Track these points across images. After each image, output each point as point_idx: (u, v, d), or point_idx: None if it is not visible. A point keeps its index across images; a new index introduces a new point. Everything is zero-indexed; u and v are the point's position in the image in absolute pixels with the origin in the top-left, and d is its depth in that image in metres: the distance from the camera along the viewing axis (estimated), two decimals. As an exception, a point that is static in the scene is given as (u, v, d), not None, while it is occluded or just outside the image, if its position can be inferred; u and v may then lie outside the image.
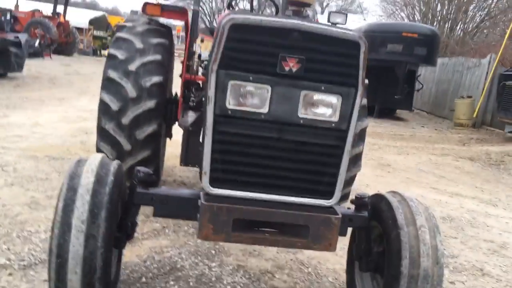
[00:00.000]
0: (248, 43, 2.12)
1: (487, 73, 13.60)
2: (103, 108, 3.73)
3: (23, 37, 12.72)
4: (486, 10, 25.83)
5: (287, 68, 2.14)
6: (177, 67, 4.85)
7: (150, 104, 3.72)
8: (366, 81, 4.26)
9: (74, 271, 2.09)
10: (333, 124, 2.25)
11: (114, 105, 3.68)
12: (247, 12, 3.99)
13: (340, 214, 2.29)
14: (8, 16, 23.51)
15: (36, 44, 18.45)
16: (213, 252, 3.57)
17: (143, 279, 3.03)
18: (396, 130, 12.56)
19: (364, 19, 38.05)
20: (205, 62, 5.04)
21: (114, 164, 2.38)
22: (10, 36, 12.56)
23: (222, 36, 2.09)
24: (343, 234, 2.67)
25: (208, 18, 74.41)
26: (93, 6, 75.15)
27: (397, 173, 7.24)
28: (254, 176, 2.28)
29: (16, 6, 26.11)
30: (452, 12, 26.14)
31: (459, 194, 6.40)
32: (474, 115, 13.34)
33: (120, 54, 3.84)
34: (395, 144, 10.13)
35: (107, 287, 2.19)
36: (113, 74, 3.76)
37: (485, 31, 26.11)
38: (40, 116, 7.96)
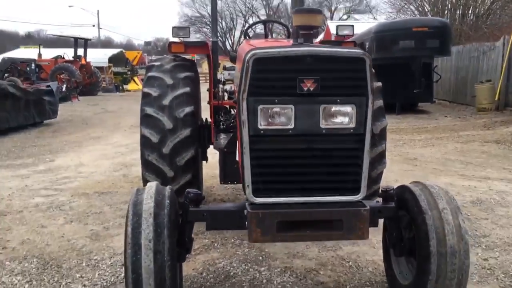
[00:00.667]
0: (270, 72, 2.51)
1: (503, 55, 13.67)
2: (145, 141, 4.12)
3: (54, 85, 13.53)
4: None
5: (305, 88, 2.51)
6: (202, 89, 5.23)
7: (185, 132, 4.10)
8: (379, 83, 4.62)
9: (148, 283, 2.45)
10: (351, 130, 2.61)
11: (154, 138, 4.07)
12: (265, 42, 4.40)
13: (368, 206, 2.63)
14: (33, 66, 24.74)
15: (63, 89, 19.33)
16: (261, 258, 3.92)
17: (203, 288, 3.41)
18: (420, 123, 12.73)
19: (374, 18, 38.35)
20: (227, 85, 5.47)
21: (167, 189, 2.77)
22: (43, 86, 13.38)
23: (248, 69, 2.49)
24: (375, 225, 3.00)
25: (220, 38, 75.76)
26: (109, 43, 77.33)
27: (424, 165, 7.47)
28: (290, 183, 2.64)
29: (39, 55, 27.35)
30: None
31: (487, 178, 6.60)
32: (496, 98, 13.41)
33: (153, 92, 4.24)
34: (419, 138, 10.32)
35: None
36: (149, 110, 4.15)
37: (498, 11, 25.89)
38: (82, 157, 8.53)
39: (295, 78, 2.50)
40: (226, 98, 5.15)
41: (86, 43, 27.50)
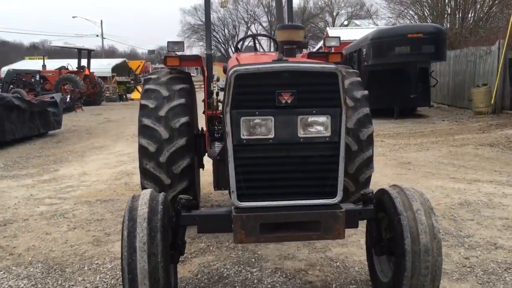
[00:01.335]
0: (251, 86, 2.74)
1: (498, 59, 13.88)
2: (142, 151, 4.35)
3: (57, 97, 13.84)
4: (493, -6, 25.86)
5: (283, 101, 2.74)
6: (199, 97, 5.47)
7: (181, 141, 4.33)
8: (366, 92, 4.84)
9: (143, 283, 2.66)
10: (327, 138, 2.83)
11: (151, 147, 4.30)
12: (252, 56, 4.63)
13: (343, 208, 2.85)
14: (38, 77, 25.13)
15: (68, 99, 19.66)
16: (253, 260, 4.13)
17: (197, 289, 3.62)
18: (417, 127, 12.92)
19: (374, 23, 38.58)
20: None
21: (161, 196, 2.99)
22: (47, 98, 13.70)
23: (231, 85, 2.72)
24: (355, 226, 3.22)
25: (223, 45, 76.33)
26: (113, 53, 78.01)
27: (418, 169, 7.67)
28: (271, 188, 2.86)
29: (44, 66, 27.73)
30: (461, 3, 26.22)
31: (477, 180, 6.79)
32: (492, 102, 13.60)
33: (150, 103, 4.47)
34: (415, 142, 10.52)
35: None
36: (147, 121, 4.38)
37: (496, 15, 26.03)
38: (85, 166, 8.79)
39: (274, 92, 2.73)
40: (220, 108, 5.39)
41: (89, 54, 27.92)
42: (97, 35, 60.72)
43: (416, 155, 8.90)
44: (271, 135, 2.79)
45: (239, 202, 2.84)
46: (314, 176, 2.88)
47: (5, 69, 33.82)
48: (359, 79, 4.90)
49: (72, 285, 3.75)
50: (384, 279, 3.29)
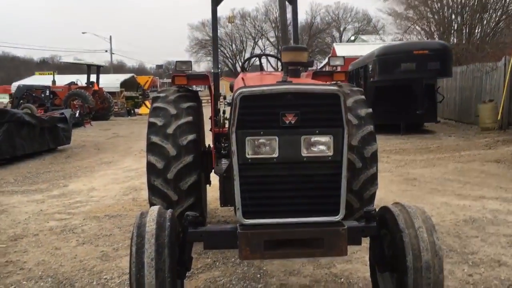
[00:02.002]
0: (256, 108, 2.84)
1: (504, 75, 13.93)
2: (150, 167, 4.44)
3: (67, 113, 14.05)
4: (500, 10, 26.00)
5: (287, 121, 2.83)
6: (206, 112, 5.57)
7: (188, 158, 4.42)
8: (370, 110, 4.92)
9: (151, 298, 2.75)
10: (330, 158, 2.91)
11: (159, 164, 4.39)
12: (257, 75, 4.74)
13: (346, 226, 2.92)
14: (48, 92, 25.48)
15: (77, 114, 19.90)
16: (259, 276, 4.19)
17: (203, 304, 3.69)
18: (424, 143, 12.94)
19: (381, 39, 38.76)
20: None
21: (168, 213, 3.08)
22: (56, 114, 13.92)
23: (236, 106, 2.82)
24: (359, 243, 3.28)
25: (230, 60, 76.96)
26: (121, 68, 78.90)
27: (423, 185, 7.70)
28: (275, 206, 2.94)
29: (53, 82, 28.13)
30: (467, 18, 26.34)
31: (482, 197, 6.81)
32: (498, 118, 13.62)
33: (159, 121, 4.57)
34: (421, 158, 10.55)
35: None
36: (155, 139, 4.48)
37: (504, 30, 26.04)
38: (94, 181, 8.91)
39: (278, 113, 2.82)
40: (226, 125, 5.48)
41: (98, 69, 28.27)
42: (106, 51, 61.50)
43: (422, 171, 8.93)
44: (276, 155, 2.88)
45: (244, 219, 2.92)
46: (317, 194, 2.95)
47: (15, 84, 34.39)
48: (363, 97, 4.98)
49: (81, 300, 3.83)
50: (388, 295, 3.34)
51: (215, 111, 5.32)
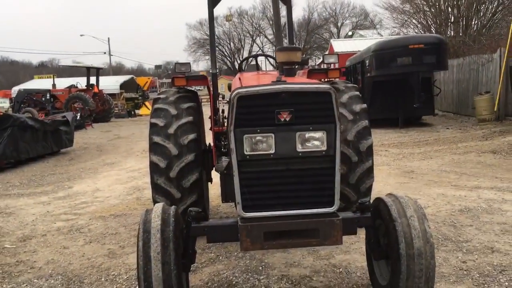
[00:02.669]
0: (252, 107, 3.00)
1: (500, 66, 14.07)
2: (153, 167, 4.61)
3: (69, 116, 14.24)
4: (496, 2, 26.07)
5: (282, 119, 2.99)
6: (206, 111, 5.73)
7: (190, 157, 4.59)
8: (364, 105, 5.08)
9: (158, 290, 2.91)
10: (323, 152, 3.07)
11: (162, 163, 4.56)
12: (254, 75, 4.89)
13: (340, 216, 3.08)
14: (48, 96, 25.65)
15: (78, 117, 20.06)
16: (260, 268, 4.35)
17: (208, 295, 3.85)
18: (421, 136, 13.10)
19: (378, 33, 38.93)
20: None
21: (172, 209, 3.24)
22: (59, 117, 14.11)
23: (233, 105, 2.99)
24: (354, 233, 3.45)
25: (229, 59, 77.09)
26: (120, 69, 79.02)
27: (420, 178, 7.85)
28: (273, 199, 3.11)
29: (53, 85, 28.28)
30: (464, 11, 26.41)
31: (478, 187, 6.96)
32: (495, 109, 13.78)
33: (160, 122, 4.73)
34: (419, 151, 10.70)
35: None
36: (157, 139, 4.64)
37: (500, 22, 26.10)
38: (97, 182, 9.08)
39: (273, 111, 2.99)
40: (226, 124, 5.64)
41: (98, 72, 28.45)
42: (105, 52, 61.60)
43: (419, 164, 9.09)
44: (272, 151, 3.04)
45: (244, 212, 3.09)
46: (312, 187, 3.12)
47: (15, 88, 34.54)
48: (357, 93, 5.13)
49: (91, 295, 4.00)
50: (383, 282, 3.50)
51: (215, 110, 5.48)
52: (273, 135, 3.02)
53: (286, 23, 6.15)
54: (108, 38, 61.14)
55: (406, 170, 8.51)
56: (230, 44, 77.23)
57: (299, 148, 3.06)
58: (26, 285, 4.27)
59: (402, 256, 3.08)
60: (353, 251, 4.65)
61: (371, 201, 3.55)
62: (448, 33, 26.71)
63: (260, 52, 64.87)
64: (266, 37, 73.87)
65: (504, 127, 12.76)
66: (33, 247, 5.32)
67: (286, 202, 3.12)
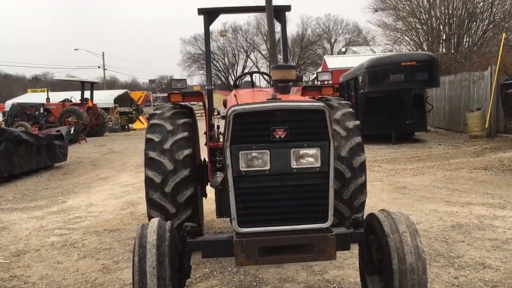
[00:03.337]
0: (247, 124, 3.06)
1: (491, 84, 14.29)
2: (149, 182, 4.64)
3: (63, 130, 14.23)
4: (487, 20, 26.50)
5: (277, 136, 3.05)
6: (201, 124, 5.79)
7: (185, 172, 4.62)
8: (357, 122, 5.16)
9: (153, 305, 2.93)
10: (317, 169, 3.13)
11: (157, 178, 4.58)
12: (249, 92, 4.96)
13: (334, 232, 3.13)
14: (42, 110, 25.62)
15: (72, 131, 20.04)
16: (254, 283, 4.37)
17: (202, 310, 3.86)
18: (414, 152, 13.22)
19: (371, 50, 39.28)
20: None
21: (168, 224, 3.27)
22: (53, 131, 14.10)
23: (230, 122, 3.05)
24: (348, 248, 3.49)
25: (223, 73, 77.47)
26: (113, 83, 79.17)
27: (413, 193, 7.92)
28: (268, 215, 3.15)
29: (47, 99, 28.25)
30: (455, 28, 26.80)
31: (469, 203, 7.04)
32: (486, 126, 13.95)
33: (156, 137, 4.77)
34: (411, 167, 10.80)
35: None
36: (152, 154, 4.67)
37: (491, 40, 26.50)
38: (91, 197, 9.07)
39: (269, 128, 3.05)
40: (221, 140, 5.70)
41: (92, 86, 28.50)
42: (99, 67, 61.72)
43: (412, 180, 9.17)
44: (267, 167, 3.10)
45: (239, 228, 3.13)
46: (306, 203, 3.17)
47: (9, 102, 34.50)
48: (351, 110, 5.21)
49: (85, 310, 4.00)
50: (376, 298, 3.54)
51: (210, 126, 5.54)
52: (268, 151, 3.08)
53: (280, 39, 6.25)
54: (103, 53, 61.28)
55: (399, 186, 8.58)
56: (224, 59, 77.73)
57: (294, 164, 3.11)
58: (20, 300, 4.26)
59: (394, 272, 3.12)
60: (346, 267, 4.69)
61: (364, 217, 3.59)
62: (440, 50, 27.07)
63: (254, 68, 65.41)
64: (260, 52, 74.47)
65: (495, 143, 12.92)
66: (27, 262, 5.31)
67: (280, 218, 3.17)
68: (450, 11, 26.64)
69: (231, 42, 75.55)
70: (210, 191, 5.41)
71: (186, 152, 4.69)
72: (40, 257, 5.47)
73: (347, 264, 4.74)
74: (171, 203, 4.58)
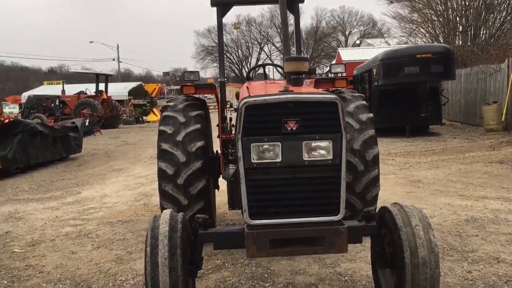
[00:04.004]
0: (259, 116, 3.05)
1: (508, 76, 14.06)
2: (161, 174, 4.66)
3: (78, 122, 14.39)
4: (505, 12, 26.01)
5: (289, 128, 3.05)
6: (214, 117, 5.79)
7: (197, 164, 4.63)
8: (371, 114, 5.12)
9: (165, 296, 2.95)
10: (329, 161, 3.12)
11: (170, 170, 4.61)
12: (261, 85, 4.95)
13: (345, 224, 3.12)
14: (57, 102, 25.87)
15: (87, 123, 20.23)
16: (266, 275, 4.39)
17: (214, 302, 3.89)
18: (428, 145, 13.08)
19: (386, 42, 38.89)
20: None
21: (180, 215, 3.29)
22: (68, 123, 14.26)
23: (241, 115, 3.04)
24: (360, 241, 3.48)
25: (237, 66, 77.39)
26: (128, 75, 79.58)
27: (427, 187, 7.85)
28: (279, 207, 3.15)
29: (63, 91, 28.53)
30: (472, 20, 26.37)
31: (484, 197, 6.96)
32: (503, 119, 13.75)
33: (168, 129, 4.79)
34: (426, 160, 10.69)
35: None
36: (165, 146, 4.70)
37: (509, 32, 25.99)
38: (105, 188, 9.17)
39: (280, 120, 3.04)
40: (233, 132, 5.70)
41: (107, 78, 28.69)
42: (114, 59, 62.10)
43: (426, 173, 9.09)
44: (279, 159, 3.09)
45: (250, 220, 3.14)
46: (318, 196, 3.16)
47: (25, 94, 34.87)
48: (364, 102, 5.17)
49: (99, 300, 4.05)
50: (388, 291, 3.53)
51: (222, 118, 5.55)
52: (280, 143, 3.07)
53: (293, 32, 6.21)
54: (117, 45, 61.64)
55: (413, 180, 8.51)
56: (238, 51, 77.61)
57: (305, 157, 3.10)
58: (35, 289, 4.33)
59: (406, 265, 3.10)
60: (358, 260, 4.68)
61: (377, 210, 3.57)
62: (456, 42, 26.65)
63: (268, 60, 65.20)
64: (274, 45, 74.15)
65: (512, 137, 12.74)
66: (42, 252, 5.39)
67: (292, 210, 3.16)
68: (467, 3, 26.16)
69: (245, 34, 75.42)
70: (222, 183, 5.43)
71: (199, 144, 4.70)
72: (55, 247, 5.55)
73: (359, 257, 4.73)
74: (184, 195, 4.60)
